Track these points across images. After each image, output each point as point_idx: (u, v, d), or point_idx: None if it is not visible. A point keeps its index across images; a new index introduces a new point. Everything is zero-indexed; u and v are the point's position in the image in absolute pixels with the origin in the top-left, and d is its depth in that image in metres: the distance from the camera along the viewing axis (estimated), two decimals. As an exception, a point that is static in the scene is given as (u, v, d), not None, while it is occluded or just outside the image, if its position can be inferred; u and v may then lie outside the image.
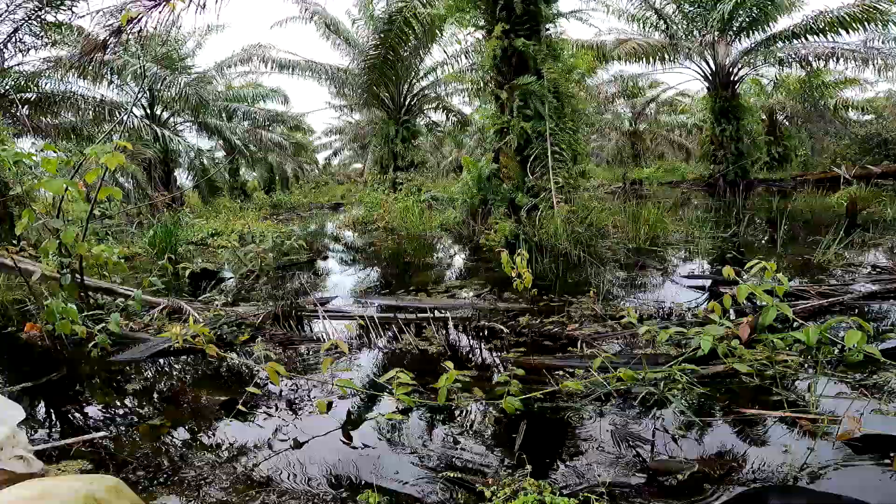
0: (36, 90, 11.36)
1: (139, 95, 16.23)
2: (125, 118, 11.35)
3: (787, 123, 22.57)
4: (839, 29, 12.20)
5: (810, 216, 8.91)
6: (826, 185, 15.18)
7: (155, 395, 2.97)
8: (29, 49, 10.06)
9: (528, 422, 2.24)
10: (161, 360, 3.44)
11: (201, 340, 3.39)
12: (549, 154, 6.81)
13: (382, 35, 8.93)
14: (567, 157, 6.90)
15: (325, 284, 5.67)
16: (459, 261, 6.16)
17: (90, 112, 12.92)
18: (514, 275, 4.16)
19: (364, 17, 14.91)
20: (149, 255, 8.25)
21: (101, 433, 2.34)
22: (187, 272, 4.40)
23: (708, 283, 4.60)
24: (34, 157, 4.12)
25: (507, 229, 6.50)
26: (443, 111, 18.02)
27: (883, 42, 13.55)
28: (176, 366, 3.40)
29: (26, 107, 11.78)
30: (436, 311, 3.97)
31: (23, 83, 10.56)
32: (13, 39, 9.61)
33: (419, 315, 3.91)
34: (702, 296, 4.30)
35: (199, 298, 4.64)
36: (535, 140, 7.15)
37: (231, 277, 5.77)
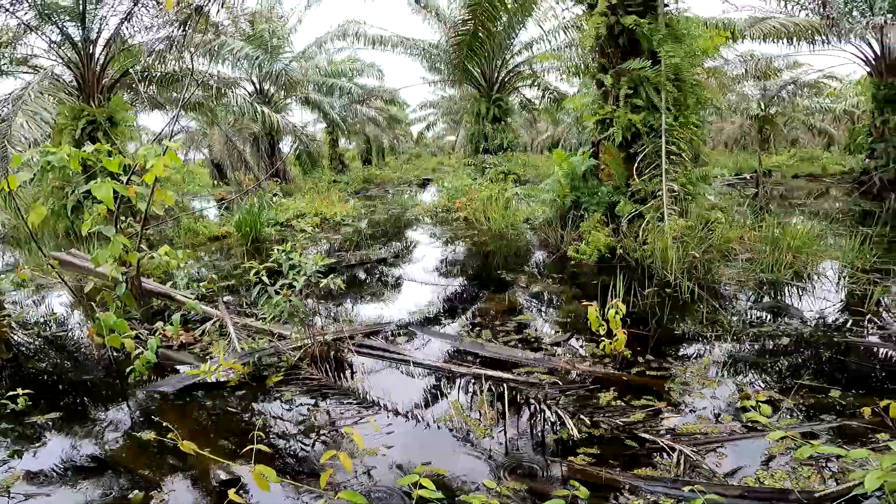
0: (160, 69, 11.90)
1: (249, 73, 16.81)
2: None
3: None
4: None
5: None
6: None
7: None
8: (149, 28, 10.42)
9: None
10: (188, 396, 3.03)
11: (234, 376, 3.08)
12: (663, 153, 5.56)
13: (471, 9, 7.98)
14: (686, 158, 5.61)
15: (385, 298, 5.05)
16: (539, 280, 5.20)
17: (211, 88, 13.45)
18: (602, 332, 3.21)
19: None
20: (235, 238, 8.34)
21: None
22: (252, 272, 3.98)
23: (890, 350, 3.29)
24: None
25: (602, 241, 5.43)
26: (538, 88, 16.77)
27: None
28: (192, 409, 2.95)
29: (153, 84, 12.45)
30: (490, 370, 3.16)
31: (148, 62, 11.06)
32: (130, 19, 9.96)
33: (473, 370, 3.13)
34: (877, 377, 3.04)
35: (252, 310, 4.24)
36: (646, 135, 5.91)
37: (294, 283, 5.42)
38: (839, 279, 4.74)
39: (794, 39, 13.55)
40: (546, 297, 4.66)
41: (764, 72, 20.54)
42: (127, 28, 10.15)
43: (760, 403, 2.35)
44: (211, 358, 3.39)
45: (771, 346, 3.43)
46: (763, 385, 2.94)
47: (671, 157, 5.58)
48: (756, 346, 3.48)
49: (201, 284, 4.59)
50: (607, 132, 6.31)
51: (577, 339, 3.63)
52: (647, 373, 3.11)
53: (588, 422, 2.54)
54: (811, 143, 29.86)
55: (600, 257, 5.37)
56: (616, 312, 3.20)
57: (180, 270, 4.55)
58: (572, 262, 5.40)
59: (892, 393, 2.72)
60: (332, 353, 3.34)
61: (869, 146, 14.57)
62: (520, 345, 3.62)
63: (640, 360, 3.26)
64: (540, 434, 2.54)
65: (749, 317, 3.96)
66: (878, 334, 3.47)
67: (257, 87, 18.85)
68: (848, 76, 24.19)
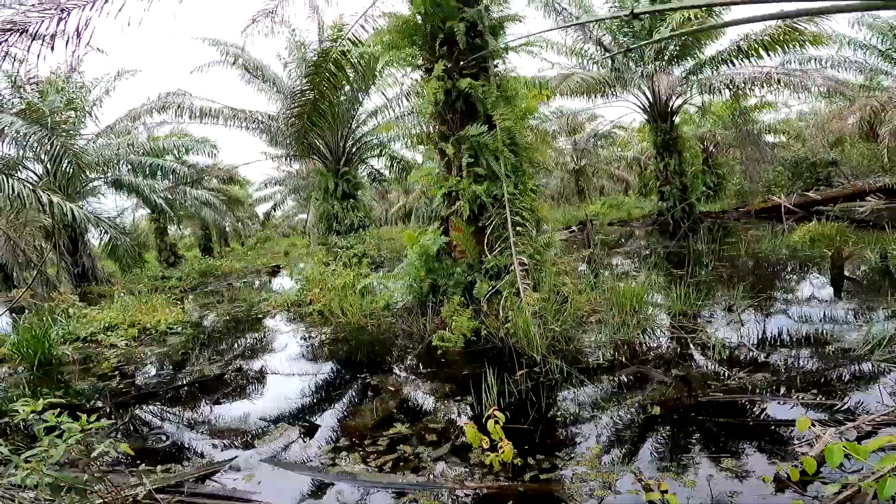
0: None
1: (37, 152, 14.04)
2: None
3: (714, 152, 23.16)
4: (762, 52, 12.45)
5: (790, 263, 8.28)
6: (768, 215, 15.24)
7: None
8: None
9: None
10: None
11: None
12: (509, 224, 5.69)
13: (310, 78, 7.72)
14: (530, 227, 5.81)
15: (224, 425, 4.12)
16: (408, 380, 4.76)
17: None
18: (483, 445, 2.88)
19: (295, 59, 13.76)
20: (16, 362, 6.49)
21: None
22: (24, 412, 2.81)
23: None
24: None
25: (465, 326, 5.24)
26: (387, 158, 16.93)
27: (800, 63, 14.12)
28: None
29: None
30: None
31: None
32: None
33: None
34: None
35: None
36: (492, 206, 6.03)
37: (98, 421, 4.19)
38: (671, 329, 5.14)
39: (593, 93, 15.60)
40: (418, 401, 4.21)
41: (573, 127, 23.74)
42: None
43: (665, 494, 2.37)
44: None
45: (647, 418, 3.42)
46: (658, 466, 2.86)
47: (517, 227, 5.73)
48: (633, 420, 3.45)
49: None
50: (454, 206, 6.33)
51: (460, 451, 3.24)
52: (542, 476, 2.86)
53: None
54: (614, 190, 35.11)
55: (467, 341, 5.15)
56: (496, 422, 2.90)
57: None
58: (439, 352, 5.09)
59: (774, 449, 2.83)
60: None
61: (658, 189, 17.25)
62: (397, 466, 3.12)
63: (530, 460, 3.00)
64: None
65: (617, 388, 3.99)
66: (723, 389, 3.69)
67: (49, 169, 15.77)
68: (630, 124, 29.08)
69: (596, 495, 2.63)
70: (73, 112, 15.00)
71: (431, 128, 6.87)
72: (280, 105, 14.48)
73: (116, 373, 5.80)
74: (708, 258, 8.65)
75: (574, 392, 3.94)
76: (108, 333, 7.57)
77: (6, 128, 10.34)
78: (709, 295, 5.85)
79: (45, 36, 5.13)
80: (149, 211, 23.54)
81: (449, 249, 6.38)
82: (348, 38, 7.54)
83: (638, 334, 4.87)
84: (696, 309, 5.46)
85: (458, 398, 4.09)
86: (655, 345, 4.73)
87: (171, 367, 6.08)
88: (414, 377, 4.77)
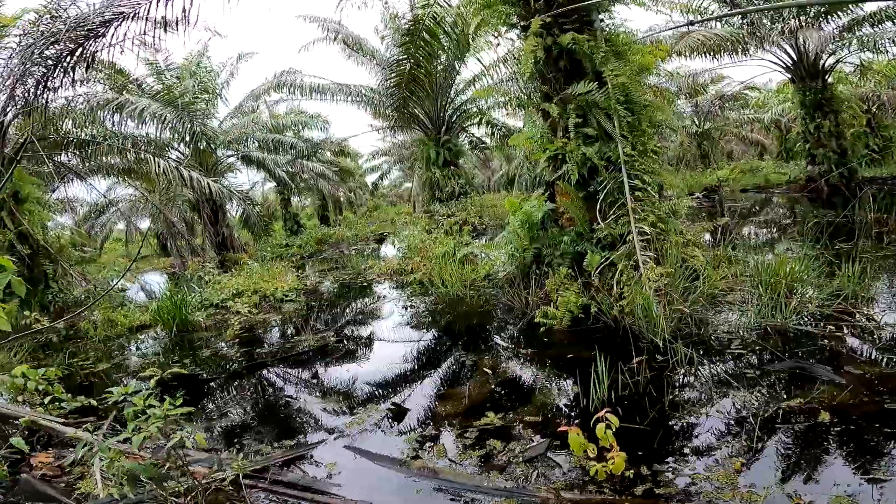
0: (83, 132, 10.77)
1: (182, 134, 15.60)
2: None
3: (878, 114, 19.58)
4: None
5: None
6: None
7: None
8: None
9: None
10: None
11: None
12: (626, 189, 4.93)
13: (404, 47, 7.43)
14: (652, 192, 4.99)
15: (314, 402, 4.04)
16: (506, 360, 4.33)
17: (133, 151, 12.26)
18: (589, 454, 2.38)
19: (390, 31, 13.66)
20: (157, 328, 7.27)
21: None
22: (153, 379, 2.95)
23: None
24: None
25: (573, 301, 4.66)
26: (487, 125, 16.48)
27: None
28: None
29: (70, 149, 11.22)
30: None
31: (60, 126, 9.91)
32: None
33: None
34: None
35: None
36: (605, 170, 5.29)
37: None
38: (850, 319, 4.08)
39: (716, 52, 13.76)
40: (515, 387, 3.78)
41: (694, 88, 21.27)
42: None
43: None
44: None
45: (810, 427, 2.66)
46: (822, 489, 2.16)
47: (635, 192, 4.96)
48: (791, 430, 2.70)
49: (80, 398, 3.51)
50: (561, 170, 5.68)
51: (559, 452, 2.77)
52: (657, 491, 2.31)
53: None
54: (746, 154, 31.07)
55: (573, 319, 4.60)
56: (607, 426, 2.37)
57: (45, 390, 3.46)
58: (542, 329, 4.59)
59: None
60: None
61: (808, 153, 14.87)
62: (484, 464, 2.76)
63: (645, 470, 2.45)
64: None
65: (768, 387, 3.20)
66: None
67: (191, 148, 17.59)
68: (765, 85, 25.45)
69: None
70: (206, 94, 16.40)
71: (533, 89, 6.22)
72: (379, 78, 14.56)
73: (237, 340, 6.11)
74: (882, 230, 6.99)
75: (707, 388, 3.24)
76: (235, 300, 8.13)
77: (145, 109, 11.45)
78: (888, 276, 4.60)
79: (155, 20, 5.34)
80: (274, 184, 25.56)
81: (555, 217, 5.77)
82: (438, 3, 7.07)
83: (794, 319, 3.92)
84: (873, 293, 4.32)
85: (562, 387, 3.60)
86: (819, 334, 3.76)
87: (280, 336, 6.29)
88: (512, 358, 4.37)
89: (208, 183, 14.19)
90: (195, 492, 2.45)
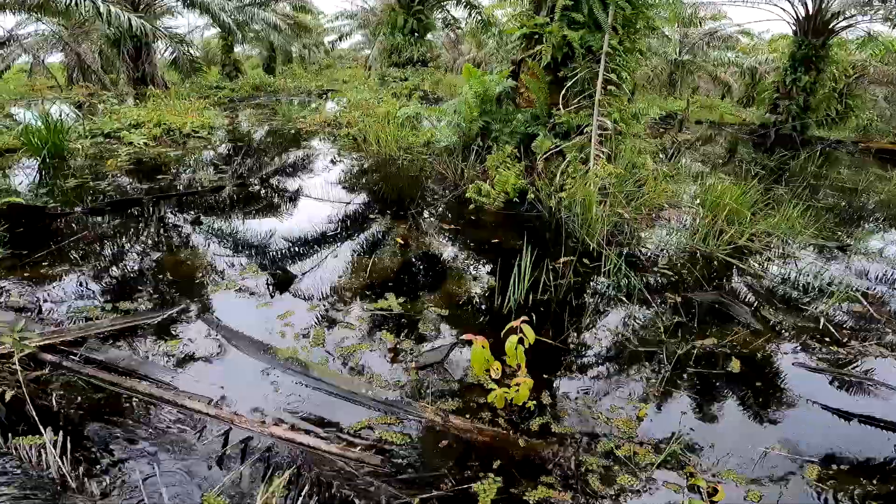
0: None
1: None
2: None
3: (854, 83, 19.88)
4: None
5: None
6: (891, 157, 12.82)
7: None
8: None
9: None
10: None
11: None
12: (599, 80, 4.37)
13: None
14: (627, 89, 4.47)
15: (190, 258, 3.33)
16: (425, 235, 3.89)
17: None
18: (492, 375, 2.05)
19: None
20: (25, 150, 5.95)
21: None
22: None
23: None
24: None
25: (511, 182, 4.26)
26: (466, 7, 14.95)
27: None
28: None
29: None
30: (300, 434, 1.94)
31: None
32: None
33: (266, 429, 1.92)
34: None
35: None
36: (581, 57, 4.65)
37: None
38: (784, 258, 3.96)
39: None
40: (428, 266, 3.39)
41: (691, 19, 20.26)
42: None
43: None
44: None
45: (719, 376, 2.44)
46: (721, 456, 1.96)
47: (608, 86, 4.42)
48: (700, 374, 2.45)
49: None
50: (534, 49, 4.97)
51: (461, 358, 2.39)
52: (553, 428, 2.00)
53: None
54: (710, 93, 30.90)
55: (507, 202, 4.23)
56: (520, 340, 1.99)
57: None
58: (472, 207, 4.19)
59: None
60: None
61: (772, 101, 14.95)
62: (368, 365, 2.32)
63: (546, 399, 2.14)
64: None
65: (688, 317, 2.94)
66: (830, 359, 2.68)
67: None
68: (760, 34, 24.75)
69: (619, 481, 1.77)
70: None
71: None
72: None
73: (117, 174, 5.20)
74: (819, 184, 7.04)
75: (629, 310, 2.98)
76: (132, 131, 6.98)
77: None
78: (818, 227, 4.50)
79: None
80: (218, 30, 22.69)
81: (513, 95, 5.15)
82: None
83: (726, 248, 3.76)
84: (805, 241, 4.24)
85: (479, 276, 3.27)
86: (746, 269, 3.63)
87: (173, 173, 5.40)
88: (433, 232, 3.94)
89: (129, 17, 12.18)
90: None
